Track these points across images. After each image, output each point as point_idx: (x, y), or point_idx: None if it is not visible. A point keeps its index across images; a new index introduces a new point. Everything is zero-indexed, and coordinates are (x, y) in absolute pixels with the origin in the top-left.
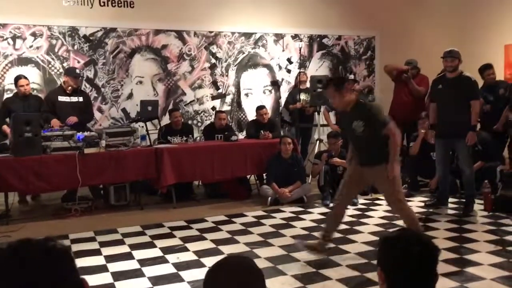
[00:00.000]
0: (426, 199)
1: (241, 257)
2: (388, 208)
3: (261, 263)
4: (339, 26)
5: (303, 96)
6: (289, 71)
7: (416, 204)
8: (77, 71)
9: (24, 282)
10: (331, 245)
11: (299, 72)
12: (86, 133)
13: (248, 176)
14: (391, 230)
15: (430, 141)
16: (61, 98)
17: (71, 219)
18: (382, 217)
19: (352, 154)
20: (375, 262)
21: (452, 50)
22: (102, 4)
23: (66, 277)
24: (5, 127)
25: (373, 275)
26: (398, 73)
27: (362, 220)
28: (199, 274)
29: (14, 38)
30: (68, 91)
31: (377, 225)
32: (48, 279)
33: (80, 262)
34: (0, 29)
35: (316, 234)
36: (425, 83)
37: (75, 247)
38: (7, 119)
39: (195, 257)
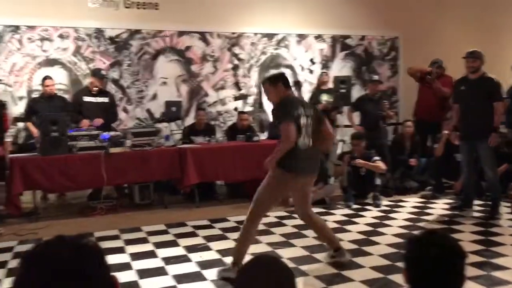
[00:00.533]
0: (451, 201)
1: (272, 257)
2: (413, 210)
3: None
4: (363, 27)
5: (325, 97)
6: (311, 71)
7: (440, 206)
8: (103, 72)
9: (56, 277)
10: (353, 245)
11: (321, 73)
12: (111, 133)
13: None
14: (416, 232)
15: (454, 142)
16: (87, 99)
17: (96, 217)
18: (406, 219)
19: None
20: (399, 264)
21: (474, 51)
22: (127, 6)
23: (98, 274)
24: (29, 124)
25: (397, 277)
26: (422, 74)
27: (385, 222)
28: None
29: (42, 40)
30: (93, 92)
31: (401, 227)
32: (79, 274)
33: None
34: (29, 31)
35: (339, 235)
36: (450, 84)
37: (100, 245)
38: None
39: (218, 256)
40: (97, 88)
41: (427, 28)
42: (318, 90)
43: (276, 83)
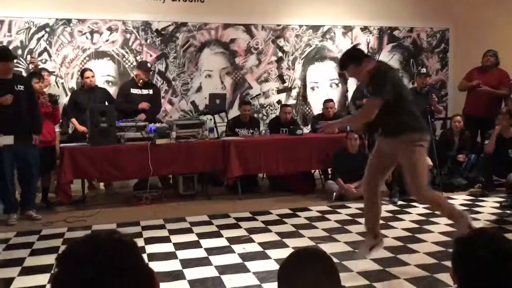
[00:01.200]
0: (501, 199)
1: (314, 249)
2: (461, 207)
3: None
4: (411, 18)
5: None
6: None
7: (490, 204)
8: (148, 64)
9: (94, 274)
10: (398, 242)
11: None
12: (157, 125)
13: (313, 171)
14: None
15: (507, 136)
16: (133, 91)
17: (142, 206)
18: None
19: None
20: (445, 262)
21: None
22: None
23: (134, 266)
24: (73, 120)
25: (443, 276)
26: (472, 88)
27: (432, 219)
28: (264, 265)
29: (92, 32)
30: (139, 84)
31: (448, 225)
32: (117, 269)
33: (150, 249)
34: (79, 25)
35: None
36: (506, 80)
37: (146, 234)
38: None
39: (260, 249)
40: (143, 81)
41: (480, 19)
42: (363, 84)
43: (360, 62)
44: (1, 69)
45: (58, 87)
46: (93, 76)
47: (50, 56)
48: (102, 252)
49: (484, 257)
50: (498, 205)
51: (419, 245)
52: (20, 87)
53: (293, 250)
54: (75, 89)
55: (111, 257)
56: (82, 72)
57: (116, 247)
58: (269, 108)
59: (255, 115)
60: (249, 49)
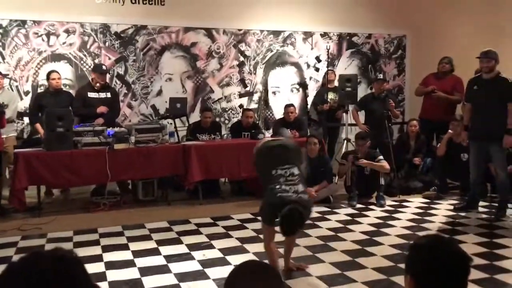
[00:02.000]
0: (455, 202)
1: (260, 263)
2: (417, 210)
3: None
4: (369, 25)
5: (331, 95)
6: (317, 69)
7: (445, 207)
8: (104, 67)
9: None
10: (356, 246)
11: (327, 71)
12: (116, 129)
13: None
14: (420, 234)
15: (463, 142)
16: (90, 95)
17: (99, 213)
18: (410, 220)
19: None
20: (402, 265)
21: (489, 51)
22: (133, 1)
23: (81, 282)
24: (37, 126)
25: (399, 279)
26: (427, 94)
27: (389, 222)
28: (225, 272)
29: (48, 34)
30: (96, 88)
31: (405, 227)
32: (63, 285)
33: (108, 256)
34: (35, 26)
35: (342, 235)
36: (459, 86)
37: (104, 241)
38: (39, 114)
39: (220, 255)
40: (99, 84)
41: (436, 26)
42: (323, 89)
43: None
44: None
45: (13, 90)
46: (59, 78)
47: (3, 58)
48: (43, 272)
49: (441, 261)
50: (452, 207)
51: (376, 248)
52: None
53: (245, 261)
54: (40, 91)
55: (53, 277)
56: (48, 74)
57: (59, 265)
58: (231, 112)
59: (217, 119)
60: (210, 53)
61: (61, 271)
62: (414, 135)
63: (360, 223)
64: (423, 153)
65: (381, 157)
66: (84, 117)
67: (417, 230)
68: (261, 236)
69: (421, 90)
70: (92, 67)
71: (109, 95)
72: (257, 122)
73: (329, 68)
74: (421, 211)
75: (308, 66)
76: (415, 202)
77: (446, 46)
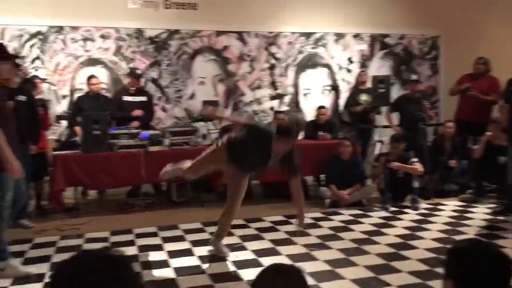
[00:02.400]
0: (493, 205)
1: (288, 265)
2: (453, 214)
3: (319, 266)
4: (403, 25)
5: (364, 97)
6: (349, 71)
7: (482, 210)
8: (138, 71)
9: None
10: (391, 249)
11: (360, 72)
12: (150, 132)
13: (306, 177)
14: (456, 238)
15: (500, 143)
16: (126, 98)
17: (135, 214)
18: (446, 223)
19: None
20: (438, 269)
21: None
22: (166, 6)
23: (127, 283)
24: (76, 128)
25: (436, 283)
26: (463, 92)
27: (424, 225)
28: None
29: (85, 40)
30: (131, 91)
31: (440, 231)
32: (110, 284)
33: (144, 257)
34: (72, 32)
35: (376, 238)
36: (495, 87)
37: (139, 242)
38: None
39: (253, 256)
40: (134, 88)
41: (472, 26)
42: (356, 90)
43: None
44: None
45: (51, 94)
46: (98, 83)
47: (43, 63)
48: (94, 270)
49: (483, 264)
50: (489, 211)
51: (411, 252)
52: (21, 98)
53: (272, 264)
54: (80, 95)
55: (104, 275)
56: (88, 78)
57: (109, 264)
58: (262, 114)
59: None
60: (242, 56)
61: (110, 270)
62: (450, 137)
63: (394, 226)
64: (459, 155)
65: (415, 159)
66: (120, 120)
67: (453, 234)
68: (293, 238)
69: (456, 88)
70: (127, 71)
71: (144, 98)
72: None
73: (361, 69)
74: (457, 214)
75: (340, 67)
76: (451, 205)
77: (482, 46)
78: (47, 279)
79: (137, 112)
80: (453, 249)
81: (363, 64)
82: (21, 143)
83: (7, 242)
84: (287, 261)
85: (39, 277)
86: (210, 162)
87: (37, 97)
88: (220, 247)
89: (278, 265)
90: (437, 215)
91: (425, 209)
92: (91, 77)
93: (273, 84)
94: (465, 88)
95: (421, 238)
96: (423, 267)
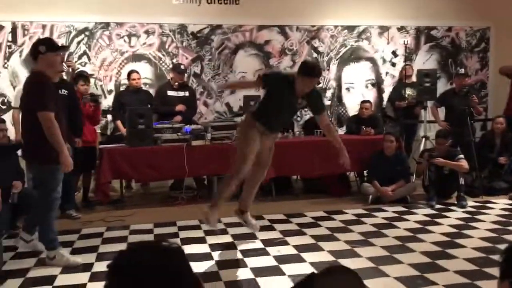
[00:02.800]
0: None
1: (345, 268)
2: (502, 212)
3: (362, 263)
4: (450, 17)
5: (408, 91)
6: (393, 64)
7: None
8: (182, 67)
9: (146, 281)
10: (436, 247)
11: (405, 66)
12: (193, 126)
13: (348, 173)
14: (506, 237)
15: None
16: (170, 93)
17: (178, 207)
18: (494, 222)
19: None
20: (487, 269)
21: None
22: (209, 1)
23: (184, 273)
24: (118, 123)
25: (484, 284)
26: None
27: (471, 224)
28: (299, 268)
29: (129, 36)
30: (175, 86)
31: (489, 230)
32: (167, 277)
33: (187, 249)
34: (118, 28)
35: (421, 236)
36: None
37: (182, 234)
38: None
39: (295, 252)
40: (178, 83)
41: None
42: (401, 84)
43: None
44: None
45: (97, 89)
46: (139, 78)
47: (89, 59)
48: (153, 261)
49: None
50: None
51: (458, 251)
52: (63, 92)
53: (328, 252)
54: (121, 90)
55: (162, 265)
56: (129, 74)
57: (165, 256)
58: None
59: None
60: (283, 50)
61: (167, 262)
62: (500, 132)
63: (439, 224)
64: (509, 152)
65: (461, 156)
66: (163, 115)
67: (503, 233)
68: (336, 234)
69: (509, 67)
70: (171, 66)
71: (187, 93)
72: (330, 119)
73: (406, 63)
74: (506, 213)
75: (384, 61)
76: (500, 203)
77: None
78: (94, 269)
79: (180, 107)
80: (509, 248)
81: (408, 58)
82: (65, 137)
83: (57, 232)
84: (329, 257)
85: (87, 267)
86: (248, 148)
87: (89, 92)
88: (211, 217)
89: (334, 266)
90: (485, 213)
91: (473, 207)
92: (131, 72)
93: None
94: None
95: (468, 236)
96: (470, 266)
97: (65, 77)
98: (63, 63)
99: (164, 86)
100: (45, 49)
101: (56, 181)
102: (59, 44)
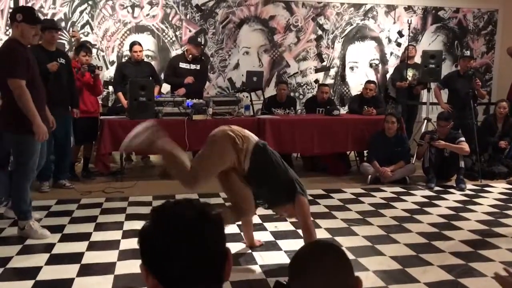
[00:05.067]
0: None
1: (330, 243)
2: (500, 196)
3: (359, 241)
4: None
5: (410, 72)
6: (399, 44)
7: None
8: (199, 39)
9: (179, 234)
10: (433, 229)
11: (408, 46)
12: (194, 100)
13: (348, 152)
14: (503, 221)
15: None
16: (182, 65)
17: (177, 180)
18: (492, 205)
19: None
20: (482, 251)
21: None
22: None
23: (215, 241)
24: (120, 95)
25: (479, 265)
26: None
27: (469, 206)
28: (296, 244)
29: (133, 6)
30: (188, 59)
31: (486, 213)
32: (199, 237)
33: None
34: None
35: (418, 217)
36: None
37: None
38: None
39: (292, 228)
40: (192, 55)
41: None
42: (403, 65)
43: None
44: (47, 38)
45: (99, 60)
46: (141, 51)
47: (92, 29)
48: (189, 218)
49: None
50: None
51: (454, 232)
52: (61, 60)
53: (325, 229)
54: (123, 61)
55: (196, 226)
56: (131, 45)
57: (204, 218)
58: (306, 87)
59: (292, 94)
60: (288, 27)
61: (204, 223)
62: (503, 117)
63: (437, 206)
64: (510, 136)
65: (462, 138)
66: (173, 86)
67: (500, 216)
68: (334, 212)
69: None
70: (188, 39)
71: (198, 67)
72: (333, 98)
73: (410, 43)
74: (504, 197)
75: (390, 41)
76: (499, 187)
77: None
78: (92, 238)
79: (189, 79)
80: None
81: (414, 38)
82: (64, 106)
83: (30, 204)
84: (326, 234)
85: (85, 236)
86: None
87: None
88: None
89: (319, 241)
90: (483, 197)
91: (471, 190)
92: (133, 44)
93: (319, 56)
94: None
95: (465, 219)
96: (466, 248)
97: (67, 48)
98: (38, 35)
99: (178, 57)
100: (22, 18)
101: (30, 151)
102: (38, 17)
